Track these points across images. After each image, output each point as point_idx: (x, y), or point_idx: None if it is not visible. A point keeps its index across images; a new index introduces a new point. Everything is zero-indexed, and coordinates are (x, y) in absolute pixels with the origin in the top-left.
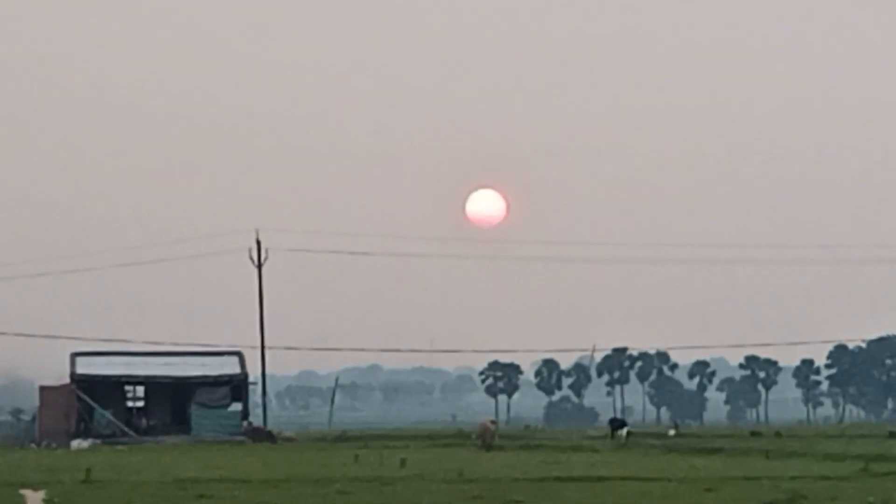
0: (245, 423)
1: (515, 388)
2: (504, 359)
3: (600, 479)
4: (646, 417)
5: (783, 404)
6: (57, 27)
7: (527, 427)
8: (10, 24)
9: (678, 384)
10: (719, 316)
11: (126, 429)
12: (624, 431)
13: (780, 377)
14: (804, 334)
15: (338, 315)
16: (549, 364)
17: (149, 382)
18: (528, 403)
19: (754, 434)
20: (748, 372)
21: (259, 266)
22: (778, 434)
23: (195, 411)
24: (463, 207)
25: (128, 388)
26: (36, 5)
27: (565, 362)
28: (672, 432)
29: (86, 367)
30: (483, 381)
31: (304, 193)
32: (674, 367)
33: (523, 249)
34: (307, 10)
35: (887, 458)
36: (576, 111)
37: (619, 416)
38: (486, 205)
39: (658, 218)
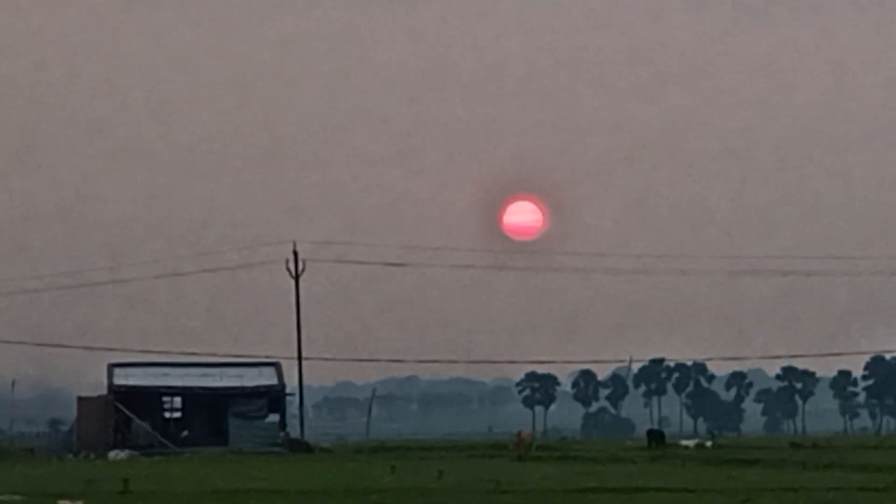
0: (282, 435)
1: (552, 399)
2: (541, 370)
3: (637, 489)
4: (683, 428)
5: (820, 415)
6: (102, 38)
7: (563, 438)
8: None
9: (715, 395)
10: (756, 327)
11: (163, 440)
12: (692, 443)
13: (818, 388)
14: (841, 345)
15: (375, 326)
16: (587, 375)
17: (186, 393)
18: (566, 414)
19: (794, 445)
20: (785, 383)
21: (296, 277)
22: (815, 445)
23: (232, 422)
24: (500, 218)
25: (165, 399)
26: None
27: (602, 373)
28: (709, 443)
29: (123, 378)
30: (520, 392)
31: (341, 205)
32: (711, 378)
33: (560, 260)
34: (340, 21)
35: None
36: (613, 121)
37: (656, 427)
38: (522, 216)
39: (696, 229)
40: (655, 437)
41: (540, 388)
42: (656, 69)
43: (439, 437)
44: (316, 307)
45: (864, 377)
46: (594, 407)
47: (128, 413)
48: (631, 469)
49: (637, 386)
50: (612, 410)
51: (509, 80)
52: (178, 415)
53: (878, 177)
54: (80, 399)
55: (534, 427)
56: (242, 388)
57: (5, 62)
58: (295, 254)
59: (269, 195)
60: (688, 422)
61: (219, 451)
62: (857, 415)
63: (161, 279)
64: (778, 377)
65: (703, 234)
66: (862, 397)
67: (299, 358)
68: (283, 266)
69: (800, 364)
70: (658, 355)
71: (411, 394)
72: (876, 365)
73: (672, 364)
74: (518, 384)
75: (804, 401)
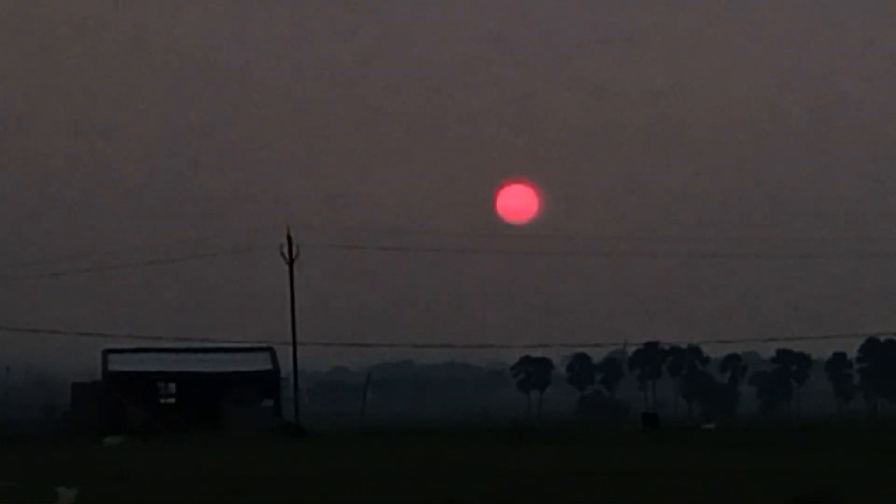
0: (277, 420)
1: (547, 382)
2: (536, 354)
3: (632, 473)
4: (677, 412)
5: (815, 398)
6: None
7: (557, 422)
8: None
9: (710, 378)
10: (751, 310)
11: (158, 425)
12: (713, 426)
13: (812, 371)
14: (836, 328)
15: (369, 311)
16: (581, 359)
17: (181, 379)
18: (560, 398)
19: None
20: (780, 366)
21: (290, 262)
22: (809, 427)
23: (227, 407)
24: (494, 202)
25: (160, 384)
26: None
27: (597, 357)
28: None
29: (118, 364)
30: (515, 376)
31: (335, 189)
32: (706, 361)
33: (555, 244)
34: (335, 12)
35: None
36: (607, 103)
37: (651, 410)
38: (517, 200)
39: (691, 212)
40: (650, 420)
41: (535, 371)
42: (655, 50)
43: (434, 420)
44: (310, 292)
45: (859, 359)
46: (589, 390)
47: (122, 399)
48: (626, 452)
49: (632, 369)
50: (607, 394)
51: (503, 64)
52: (172, 400)
53: (873, 161)
54: (74, 385)
55: (528, 410)
56: (237, 374)
57: None
58: (289, 239)
59: (263, 180)
60: (683, 405)
61: (214, 437)
62: (851, 397)
63: (156, 265)
64: (773, 360)
65: (699, 217)
66: (857, 379)
67: (294, 343)
68: (278, 251)
69: (794, 347)
70: (653, 338)
71: (406, 378)
72: (871, 347)
73: (667, 347)
74: (513, 368)
75: (799, 383)
